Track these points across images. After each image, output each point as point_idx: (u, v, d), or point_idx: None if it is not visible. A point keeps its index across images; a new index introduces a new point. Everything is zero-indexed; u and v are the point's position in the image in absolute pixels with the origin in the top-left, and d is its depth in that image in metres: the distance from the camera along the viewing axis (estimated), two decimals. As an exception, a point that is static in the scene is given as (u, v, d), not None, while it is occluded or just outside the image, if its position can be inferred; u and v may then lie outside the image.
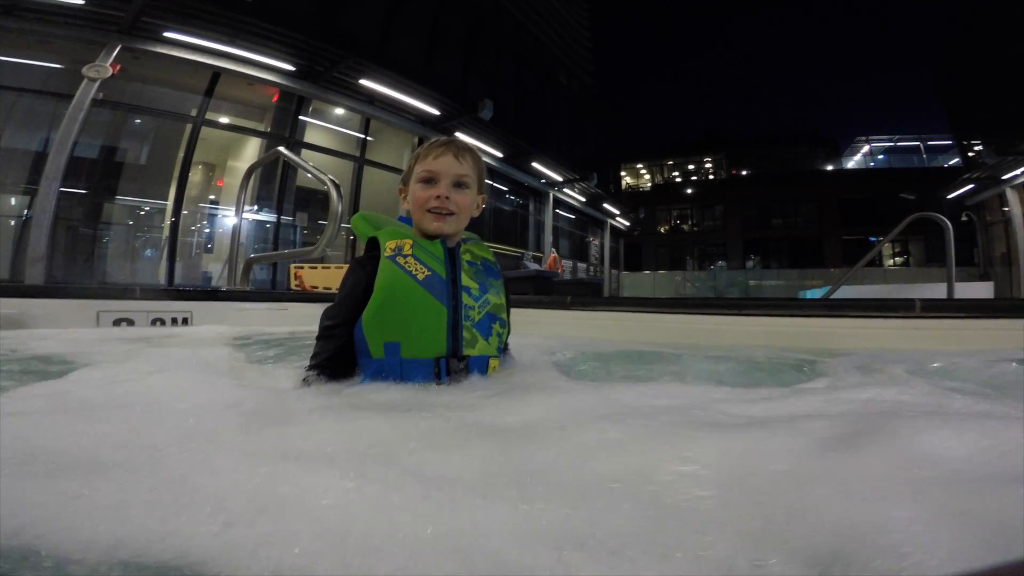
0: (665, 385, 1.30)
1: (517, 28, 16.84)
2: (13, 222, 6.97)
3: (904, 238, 25.05)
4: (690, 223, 32.25)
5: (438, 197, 1.16)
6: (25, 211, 6.85)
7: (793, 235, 28.51)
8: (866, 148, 32.67)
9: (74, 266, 6.95)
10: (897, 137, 31.93)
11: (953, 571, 0.41)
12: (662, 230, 32.51)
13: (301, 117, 9.28)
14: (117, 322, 1.93)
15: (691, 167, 36.28)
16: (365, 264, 1.15)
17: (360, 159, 10.28)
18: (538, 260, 14.26)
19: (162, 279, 7.78)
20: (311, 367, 1.12)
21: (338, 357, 1.11)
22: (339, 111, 10.16)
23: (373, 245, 1.19)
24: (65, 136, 6.50)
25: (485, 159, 10.04)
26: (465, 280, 1.16)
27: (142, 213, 8.13)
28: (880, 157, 32.08)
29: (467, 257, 1.20)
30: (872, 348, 1.78)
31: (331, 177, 2.31)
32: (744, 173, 34.01)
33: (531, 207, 16.06)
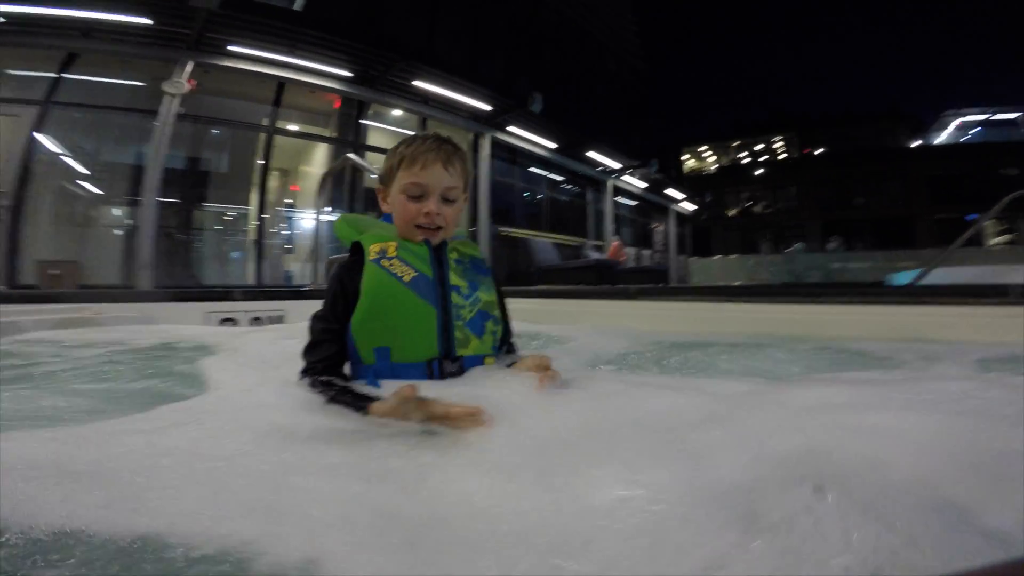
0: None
1: (559, 20, 16.65)
2: (119, 232, 7.70)
3: (1008, 215, 22.61)
4: (762, 205, 30.68)
5: (427, 214, 1.11)
6: (128, 221, 7.57)
7: (878, 215, 26.44)
8: (957, 122, 29.79)
9: (174, 270, 7.61)
10: (993, 109, 28.87)
11: (952, 571, 0.42)
12: (731, 213, 31.14)
13: (362, 121, 9.67)
14: (223, 321, 2.15)
15: (759, 148, 34.48)
16: (350, 268, 1.11)
17: (421, 158, 10.54)
18: (600, 249, 14.08)
19: (250, 279, 8.39)
20: (306, 373, 1.07)
21: (333, 364, 1.08)
22: (397, 113, 10.48)
23: (356, 249, 1.14)
24: (156, 149, 7.13)
25: (539, 151, 9.93)
26: (454, 279, 1.12)
27: (228, 218, 8.79)
28: (975, 131, 29.15)
29: (454, 256, 1.16)
30: (962, 339, 1.65)
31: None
32: (818, 152, 31.94)
33: (590, 196, 15.87)
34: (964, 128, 29.56)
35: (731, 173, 32.57)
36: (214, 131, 8.45)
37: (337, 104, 9.49)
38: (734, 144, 35.03)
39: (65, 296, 2.28)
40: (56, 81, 7.18)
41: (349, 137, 9.44)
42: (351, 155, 3.01)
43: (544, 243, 8.58)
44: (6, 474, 0.70)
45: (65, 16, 6.59)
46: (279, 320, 2.35)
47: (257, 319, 2.23)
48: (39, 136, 7.08)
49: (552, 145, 12.74)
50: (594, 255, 10.30)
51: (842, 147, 30.68)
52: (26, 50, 6.94)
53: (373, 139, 10.04)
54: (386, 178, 1.17)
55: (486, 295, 1.16)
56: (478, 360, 1.11)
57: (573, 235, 14.50)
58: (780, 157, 33.16)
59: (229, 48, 7.59)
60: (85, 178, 7.59)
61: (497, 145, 11.76)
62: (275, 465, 0.81)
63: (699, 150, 35.62)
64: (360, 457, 0.82)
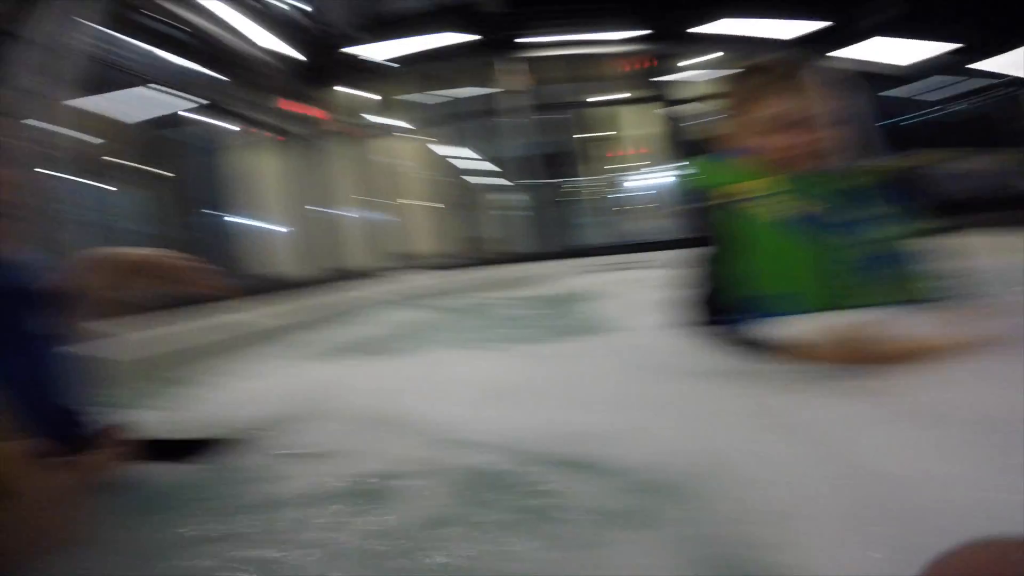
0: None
1: None
2: (502, 211, 9.65)
3: None
4: None
5: (788, 146, 0.98)
6: (514, 202, 9.41)
7: None
8: None
9: (550, 235, 9.13)
10: None
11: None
12: None
13: (666, 77, 9.23)
14: (593, 272, 2.54)
15: None
16: (711, 213, 1.04)
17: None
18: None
19: (604, 238, 9.35)
20: (690, 318, 1.06)
21: (712, 310, 1.04)
22: (704, 58, 9.58)
23: (712, 193, 1.06)
24: (516, 141, 8.64)
25: (922, 60, 7.31)
26: (833, 216, 0.97)
27: (575, 188, 10.01)
28: None
29: (832, 187, 1.00)
30: None
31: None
32: None
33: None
34: None
35: None
36: (548, 116, 9.56)
37: (640, 65, 9.39)
38: None
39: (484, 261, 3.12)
40: (437, 101, 9.38)
41: (658, 95, 9.24)
42: (668, 110, 3.01)
43: (952, 170, 6.47)
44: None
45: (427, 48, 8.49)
46: (646, 268, 2.59)
47: (627, 268, 2.51)
48: (443, 148, 9.47)
49: (948, 47, 9.36)
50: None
51: None
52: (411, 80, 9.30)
53: (681, 91, 9.62)
54: (733, 114, 1.09)
55: (882, 232, 0.98)
56: (876, 310, 0.94)
57: (1000, 154, 10.58)
58: None
59: (531, 39, 8.43)
60: (478, 173, 9.88)
61: (852, 66, 9.41)
62: (665, 397, 0.89)
63: None
64: (760, 395, 0.82)
